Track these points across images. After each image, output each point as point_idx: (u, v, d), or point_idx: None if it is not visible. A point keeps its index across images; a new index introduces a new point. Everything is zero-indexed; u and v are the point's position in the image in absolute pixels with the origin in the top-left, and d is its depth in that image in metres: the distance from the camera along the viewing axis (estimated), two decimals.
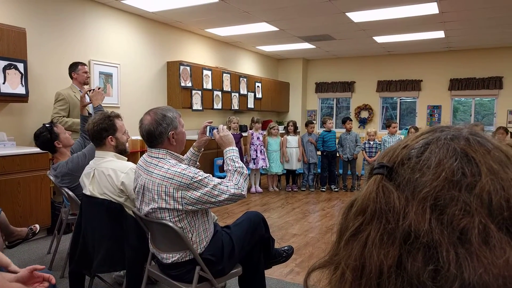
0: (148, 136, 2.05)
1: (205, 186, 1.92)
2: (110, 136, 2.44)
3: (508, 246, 0.37)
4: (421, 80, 8.55)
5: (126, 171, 2.34)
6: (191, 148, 2.42)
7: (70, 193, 2.85)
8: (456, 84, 8.17)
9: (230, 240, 2.15)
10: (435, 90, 8.43)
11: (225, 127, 2.24)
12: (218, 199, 1.94)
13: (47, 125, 3.12)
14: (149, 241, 2.20)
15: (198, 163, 2.43)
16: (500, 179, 0.40)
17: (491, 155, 0.42)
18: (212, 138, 2.30)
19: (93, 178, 2.37)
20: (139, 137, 5.54)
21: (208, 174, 1.98)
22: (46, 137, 3.05)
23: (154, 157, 2.04)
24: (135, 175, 2.16)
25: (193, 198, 1.91)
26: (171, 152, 2.07)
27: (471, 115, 8.33)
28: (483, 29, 6.33)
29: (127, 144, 2.58)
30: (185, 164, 2.07)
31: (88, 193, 2.38)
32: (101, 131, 2.41)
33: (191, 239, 1.99)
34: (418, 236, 0.40)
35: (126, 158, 2.52)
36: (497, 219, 0.38)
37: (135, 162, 5.48)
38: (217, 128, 2.23)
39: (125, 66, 5.63)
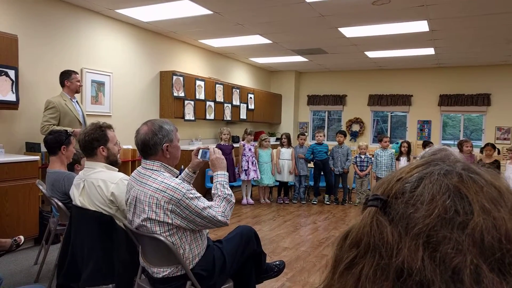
0: (143, 146, 2.04)
1: (195, 206, 1.92)
2: (102, 147, 2.42)
3: (500, 287, 0.37)
4: (412, 95, 8.67)
5: (116, 182, 2.31)
6: (186, 169, 2.42)
7: (60, 203, 2.81)
8: (446, 100, 8.30)
9: (221, 255, 2.13)
10: (425, 105, 8.55)
11: (217, 149, 2.26)
12: (204, 221, 1.95)
13: (68, 131, 3.33)
14: (140, 255, 2.17)
15: (191, 185, 2.41)
16: (493, 218, 0.40)
17: (483, 192, 0.43)
18: (204, 160, 2.31)
19: (83, 189, 2.35)
20: (131, 146, 5.51)
21: (200, 195, 1.99)
22: (60, 137, 3.11)
23: (148, 168, 2.04)
24: (127, 187, 2.14)
25: (182, 215, 1.91)
26: (165, 165, 2.06)
27: (460, 131, 8.45)
28: (471, 48, 6.47)
29: (118, 155, 2.57)
30: (178, 179, 2.07)
31: (78, 204, 2.35)
32: (92, 141, 2.39)
33: (183, 254, 1.98)
34: (411, 273, 0.40)
35: (117, 169, 2.50)
36: (489, 260, 0.39)
37: (126, 171, 5.45)
38: (209, 150, 2.25)
39: (118, 75, 5.61)
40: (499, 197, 0.43)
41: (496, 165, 5.75)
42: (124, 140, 5.58)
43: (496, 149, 5.99)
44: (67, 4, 4.81)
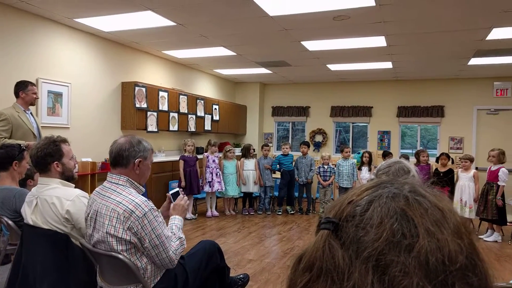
0: (116, 154, 2.02)
1: (152, 230, 1.87)
2: (56, 162, 2.30)
3: None
4: (372, 107, 8.98)
5: (72, 199, 2.21)
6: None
7: (10, 222, 2.64)
8: (403, 112, 8.66)
9: (184, 271, 2.09)
10: (384, 117, 8.88)
11: (186, 198, 2.29)
12: (153, 251, 1.90)
13: (21, 145, 3.09)
14: (97, 274, 2.08)
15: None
16: (437, 240, 0.42)
17: (428, 214, 0.44)
18: (169, 197, 2.31)
19: (35, 207, 2.22)
20: (90, 159, 5.32)
21: (162, 221, 1.95)
22: (12, 152, 2.90)
23: (114, 182, 2.00)
24: (89, 201, 2.08)
25: (137, 235, 1.86)
26: (132, 180, 2.02)
27: (417, 140, 8.83)
28: (426, 62, 6.81)
29: (75, 170, 2.46)
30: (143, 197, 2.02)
31: (30, 222, 2.22)
32: (46, 156, 2.27)
33: (144, 274, 1.91)
34: None
35: (73, 185, 2.39)
36: (434, 282, 0.40)
37: (85, 185, 5.23)
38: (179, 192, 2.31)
39: (77, 85, 5.42)
40: (442, 219, 0.45)
41: (450, 173, 6.04)
42: (84, 152, 5.38)
43: (450, 159, 6.29)
44: (22, 12, 4.62)
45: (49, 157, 2.27)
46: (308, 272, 0.46)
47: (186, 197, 2.29)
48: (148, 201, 1.93)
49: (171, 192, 2.32)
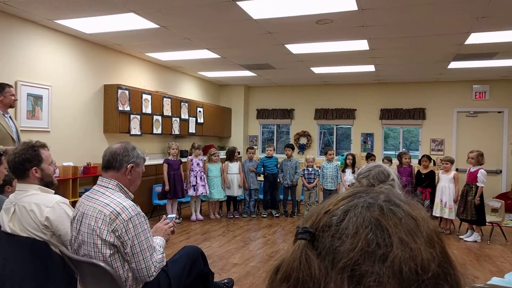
0: (110, 157, 2.04)
1: (136, 235, 1.86)
2: (35, 168, 2.25)
3: None
4: (355, 109, 9.08)
5: (51, 205, 2.16)
6: None
7: None
8: (386, 114, 8.79)
9: (167, 278, 2.07)
10: (368, 119, 8.99)
11: (171, 224, 2.30)
12: (134, 259, 1.88)
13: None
14: (78, 283, 2.04)
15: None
16: (410, 249, 0.43)
17: (402, 224, 0.45)
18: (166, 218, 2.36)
19: (13, 214, 2.16)
20: (72, 163, 5.22)
21: (148, 228, 1.93)
22: None
23: (103, 186, 2.01)
24: (77, 204, 2.07)
25: (120, 239, 1.84)
26: (122, 185, 2.03)
27: (400, 142, 8.97)
28: (407, 66, 6.94)
29: (54, 176, 2.41)
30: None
31: (8, 230, 2.17)
32: (24, 162, 2.22)
33: (126, 281, 1.88)
34: None
35: (53, 191, 2.34)
36: None
37: (66, 190, 5.12)
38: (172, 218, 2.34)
39: (58, 88, 5.32)
40: (416, 228, 0.45)
41: (432, 175, 6.15)
42: (65, 156, 5.28)
43: (432, 160, 6.40)
44: (0, 12, 4.51)
45: (27, 162, 2.22)
46: (285, 282, 0.46)
47: (171, 223, 2.30)
48: (136, 206, 1.93)
49: (168, 216, 2.36)
